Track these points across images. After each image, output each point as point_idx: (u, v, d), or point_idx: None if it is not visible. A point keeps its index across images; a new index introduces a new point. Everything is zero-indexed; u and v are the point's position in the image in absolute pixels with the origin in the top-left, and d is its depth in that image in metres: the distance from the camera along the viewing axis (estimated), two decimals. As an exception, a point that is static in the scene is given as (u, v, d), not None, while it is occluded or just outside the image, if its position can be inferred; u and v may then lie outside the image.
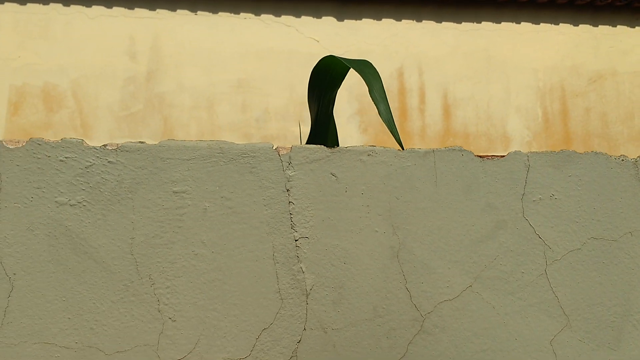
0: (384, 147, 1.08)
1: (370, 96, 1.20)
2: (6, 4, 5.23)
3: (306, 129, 5.11)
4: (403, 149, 1.11)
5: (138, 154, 1.03)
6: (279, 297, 1.03)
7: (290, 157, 1.06)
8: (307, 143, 1.30)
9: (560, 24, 5.57)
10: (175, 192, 1.03)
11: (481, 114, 5.33)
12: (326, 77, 1.26)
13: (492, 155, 1.10)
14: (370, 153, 1.07)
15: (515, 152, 1.11)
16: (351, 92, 5.22)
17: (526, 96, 5.41)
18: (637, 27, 5.61)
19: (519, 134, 5.35)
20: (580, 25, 5.62)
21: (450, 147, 1.10)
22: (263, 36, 5.26)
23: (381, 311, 1.04)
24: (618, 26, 5.60)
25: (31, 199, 0.99)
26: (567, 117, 5.43)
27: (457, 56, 5.41)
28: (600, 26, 5.63)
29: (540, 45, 5.50)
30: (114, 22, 5.27)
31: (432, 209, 1.06)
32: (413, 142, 5.20)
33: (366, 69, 1.22)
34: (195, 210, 1.03)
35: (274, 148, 1.06)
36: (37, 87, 5.17)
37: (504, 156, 1.09)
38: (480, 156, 1.09)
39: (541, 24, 5.56)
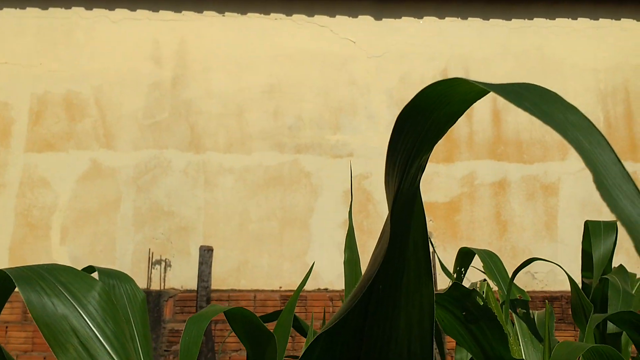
0: None
1: (600, 192, 0.28)
2: (28, 9, 4.48)
3: (343, 137, 4.20)
4: None
5: None
6: None
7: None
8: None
9: (622, 19, 4.54)
10: None
11: (535, 119, 4.34)
12: (427, 122, 0.36)
13: None
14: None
15: None
16: (391, 95, 4.31)
17: (586, 99, 4.41)
18: None
19: (578, 140, 4.34)
20: (643, 21, 4.58)
21: None
22: (295, 37, 4.39)
23: None
24: (687, 21, 4.54)
25: None
26: (632, 122, 4.40)
27: (507, 56, 4.44)
28: (665, 21, 4.59)
29: (600, 43, 4.49)
30: (137, 26, 4.47)
31: None
32: (460, 150, 4.25)
33: (563, 114, 0.31)
34: None
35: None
36: (59, 95, 4.40)
37: None
38: None
39: (600, 19, 4.54)
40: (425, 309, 0.42)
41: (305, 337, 1.45)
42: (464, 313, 0.65)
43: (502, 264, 1.16)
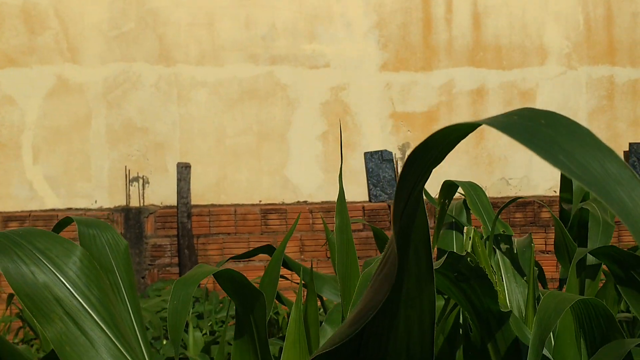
0: None
1: None
2: None
3: (319, 47, 4.06)
4: None
5: None
6: None
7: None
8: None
9: None
10: None
11: (515, 23, 4.23)
12: (436, 149, 0.31)
13: None
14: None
15: None
16: (368, 2, 4.12)
17: (566, 1, 4.28)
18: None
19: (557, 45, 4.27)
20: None
21: None
22: (265, -63, 4.09)
23: None
24: None
25: None
26: (612, 24, 4.32)
27: (489, -45, 4.23)
28: None
29: (584, -60, 4.29)
30: None
31: None
32: (439, 57, 4.15)
33: (601, 164, 0.24)
34: None
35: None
36: (15, 7, 4.12)
37: None
38: None
39: None
40: (426, 312, 0.40)
41: (295, 271, 1.45)
42: (455, 274, 0.65)
43: (487, 197, 1.15)
